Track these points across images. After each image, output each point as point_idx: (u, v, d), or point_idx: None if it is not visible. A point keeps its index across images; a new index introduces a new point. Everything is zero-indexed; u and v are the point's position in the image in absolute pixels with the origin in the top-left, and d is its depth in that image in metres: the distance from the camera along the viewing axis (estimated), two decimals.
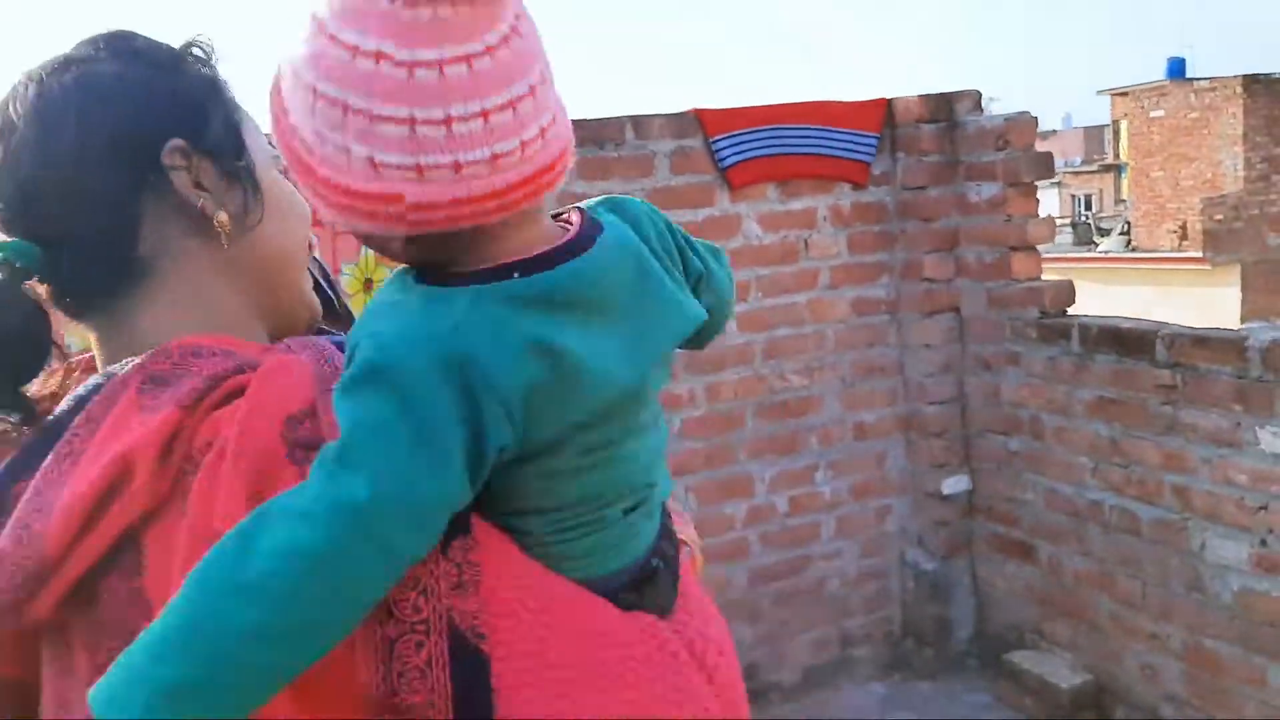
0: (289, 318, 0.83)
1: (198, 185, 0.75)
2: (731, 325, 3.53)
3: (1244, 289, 15.59)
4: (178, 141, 0.74)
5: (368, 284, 3.01)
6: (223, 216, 0.75)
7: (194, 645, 0.58)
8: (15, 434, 0.73)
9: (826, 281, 3.66)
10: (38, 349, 0.73)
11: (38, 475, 0.67)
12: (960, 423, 3.73)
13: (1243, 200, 16.84)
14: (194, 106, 0.76)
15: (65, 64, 0.75)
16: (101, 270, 0.74)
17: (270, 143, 0.76)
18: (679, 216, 3.44)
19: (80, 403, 0.71)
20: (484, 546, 0.65)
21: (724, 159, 3.44)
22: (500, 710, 0.62)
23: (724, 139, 3.43)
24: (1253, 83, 17.82)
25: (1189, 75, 20.77)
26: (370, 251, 3.00)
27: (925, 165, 3.61)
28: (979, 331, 3.63)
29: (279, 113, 0.66)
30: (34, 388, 0.77)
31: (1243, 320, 12.61)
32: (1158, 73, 21.89)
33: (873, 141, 3.61)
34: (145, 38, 0.78)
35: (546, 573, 0.67)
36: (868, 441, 3.77)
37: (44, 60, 0.76)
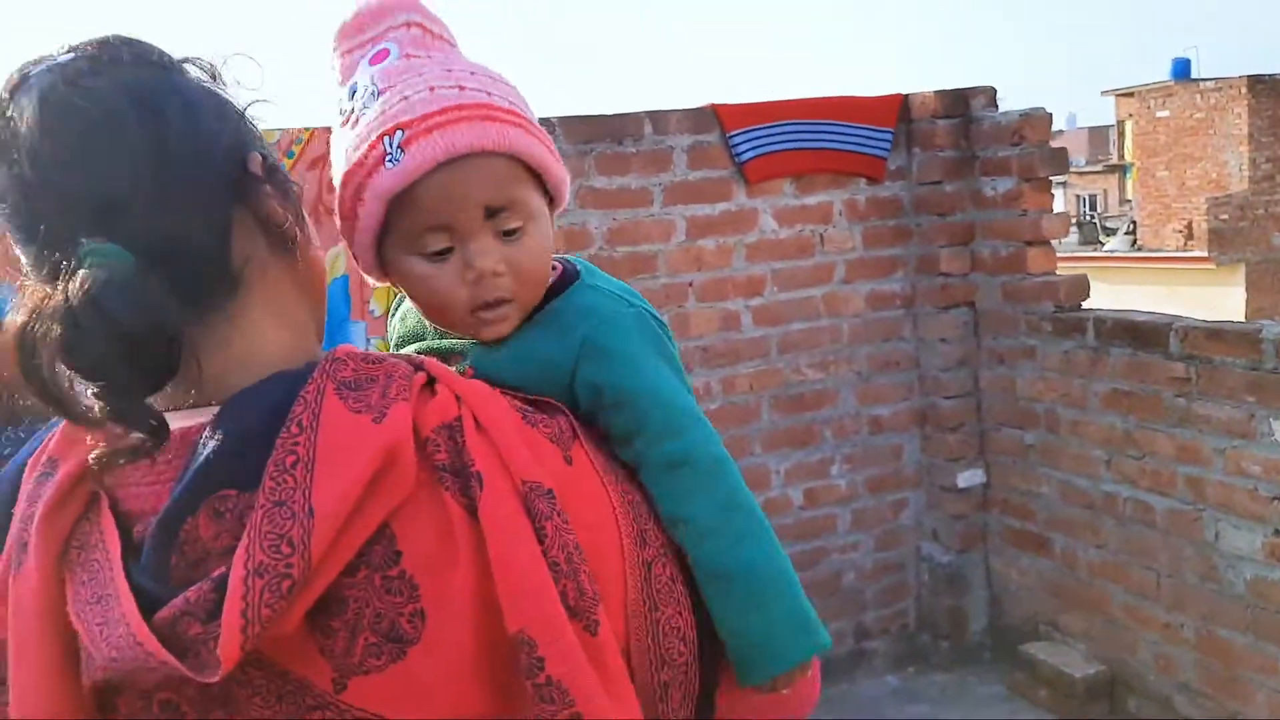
0: (320, 331, 0.85)
1: (276, 200, 0.75)
2: (747, 319, 3.57)
3: (1249, 288, 15.61)
4: (258, 155, 0.74)
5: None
6: (298, 233, 0.76)
7: (788, 574, 0.84)
8: (133, 451, 0.68)
9: (842, 276, 3.69)
10: (170, 355, 0.67)
11: (264, 490, 0.64)
12: (975, 416, 3.76)
13: (1248, 200, 16.86)
14: (252, 123, 0.77)
15: (126, 67, 0.71)
16: (201, 281, 0.71)
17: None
18: (696, 211, 3.48)
19: (243, 425, 0.68)
20: None
21: (741, 154, 3.48)
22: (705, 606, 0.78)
23: (741, 134, 3.47)
24: (1258, 83, 17.82)
25: (1194, 76, 20.78)
26: None
27: (940, 160, 3.65)
28: (994, 325, 3.66)
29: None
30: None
31: (1247, 319, 12.63)
32: (1162, 74, 21.88)
33: (888, 137, 3.65)
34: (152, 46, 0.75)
35: None
36: (883, 435, 3.80)
37: (83, 62, 0.69)
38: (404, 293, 0.89)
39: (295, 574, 0.62)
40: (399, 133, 0.79)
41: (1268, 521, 2.87)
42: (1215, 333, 2.98)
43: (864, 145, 3.62)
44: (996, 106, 3.67)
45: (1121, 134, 27.73)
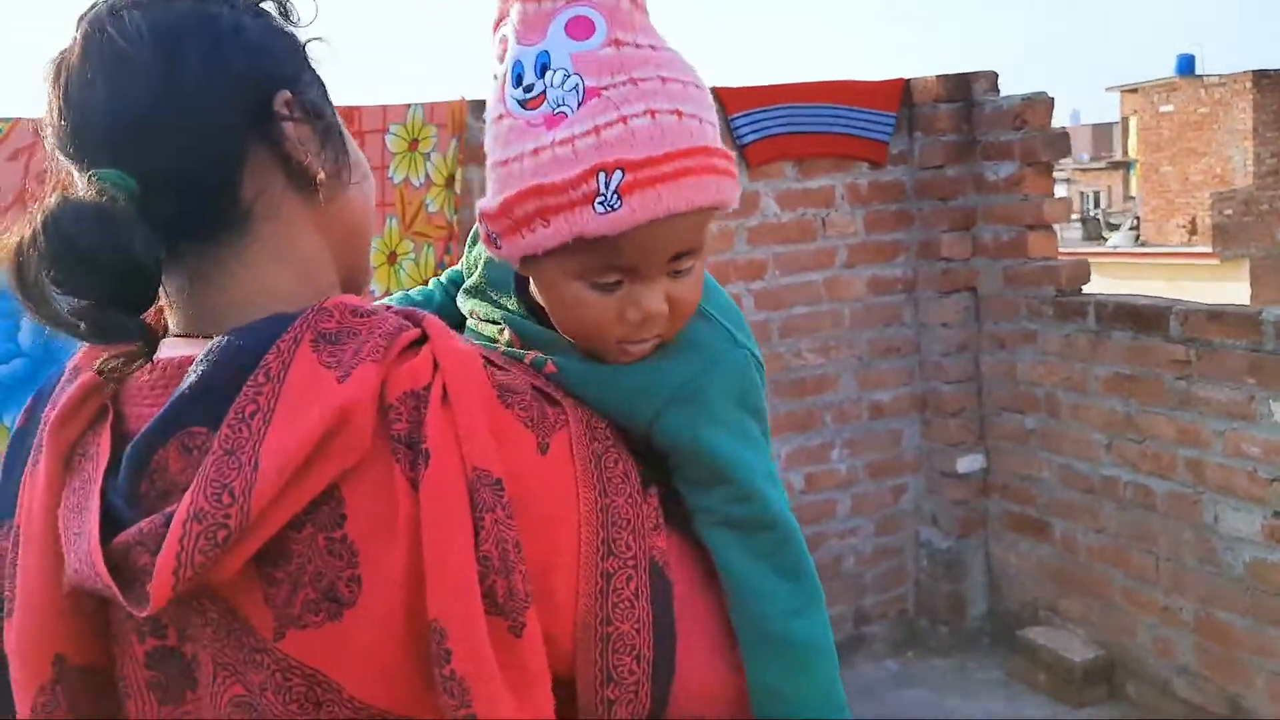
0: (358, 280, 0.84)
1: (301, 139, 0.74)
2: (749, 302, 3.57)
3: (1253, 284, 15.59)
4: (287, 93, 0.73)
5: (391, 257, 3.04)
6: (321, 174, 0.74)
7: (832, 651, 0.81)
8: (126, 369, 0.72)
9: (843, 260, 3.69)
10: (141, 283, 0.69)
11: (220, 437, 0.65)
12: (976, 401, 3.77)
13: (1252, 195, 16.84)
14: (297, 60, 0.76)
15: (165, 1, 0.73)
16: (206, 212, 0.72)
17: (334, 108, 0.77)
18: None
19: (222, 364, 0.68)
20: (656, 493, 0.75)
21: (742, 137, 3.48)
22: (679, 625, 0.73)
23: (742, 117, 3.47)
24: (1262, 78, 17.80)
25: (1199, 72, 20.75)
26: (394, 224, 3.04)
27: (942, 144, 3.65)
28: (995, 310, 3.67)
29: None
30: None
31: None
32: (1166, 71, 21.85)
33: (890, 121, 3.65)
34: None
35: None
36: (884, 420, 3.81)
37: None
38: (540, 295, 0.80)
39: (232, 525, 0.63)
40: (618, 174, 0.70)
41: (1267, 503, 2.87)
42: (1215, 315, 2.99)
43: (866, 129, 3.62)
44: (998, 91, 3.68)
45: (1125, 130, 27.69)
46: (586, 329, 0.78)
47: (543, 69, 0.72)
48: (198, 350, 0.71)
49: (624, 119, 0.70)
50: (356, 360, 0.67)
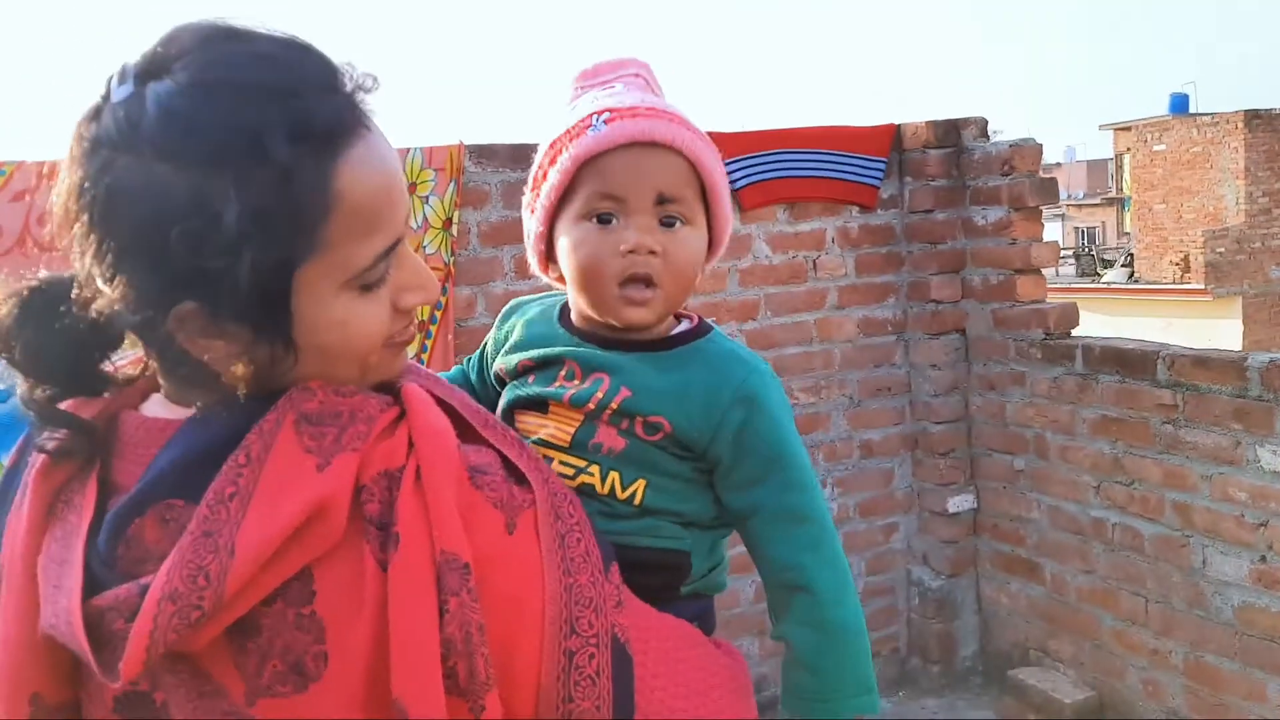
0: (356, 377, 0.78)
1: (209, 351, 0.70)
2: (741, 342, 3.60)
3: (1245, 321, 15.67)
4: (189, 305, 0.68)
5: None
6: (241, 370, 0.70)
7: (865, 635, 0.97)
8: (70, 452, 0.73)
9: (834, 301, 3.73)
10: (80, 370, 0.74)
11: (198, 516, 0.66)
12: (966, 441, 3.79)
13: (1244, 234, 16.96)
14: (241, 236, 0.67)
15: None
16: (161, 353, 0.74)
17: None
18: None
19: (204, 439, 0.70)
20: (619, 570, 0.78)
21: (735, 181, 3.52)
22: (639, 697, 0.75)
23: (735, 161, 3.52)
24: (1254, 118, 17.97)
25: (1192, 111, 20.95)
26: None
27: (932, 189, 3.70)
28: (984, 351, 3.70)
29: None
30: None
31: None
32: (1160, 108, 22.07)
33: (881, 166, 3.70)
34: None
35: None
36: (874, 459, 3.83)
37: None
38: (557, 279, 1.00)
39: (206, 606, 0.64)
40: (606, 114, 0.93)
41: (1254, 548, 2.89)
42: (1202, 361, 3.02)
43: (857, 174, 3.67)
44: (988, 137, 3.73)
45: (1119, 167, 27.90)
46: (593, 267, 0.93)
47: (575, 110, 0.98)
48: (182, 416, 0.73)
49: (617, 94, 0.95)
50: (337, 448, 0.68)
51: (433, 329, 3.04)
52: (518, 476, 0.76)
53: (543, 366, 0.98)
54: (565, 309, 1.02)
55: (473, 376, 1.10)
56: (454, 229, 3.05)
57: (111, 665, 0.66)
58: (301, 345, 0.70)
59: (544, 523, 0.74)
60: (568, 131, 0.94)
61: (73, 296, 0.71)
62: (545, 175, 0.95)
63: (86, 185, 0.67)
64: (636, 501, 0.92)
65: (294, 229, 0.67)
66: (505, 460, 0.77)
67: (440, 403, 0.77)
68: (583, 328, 0.99)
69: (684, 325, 1.00)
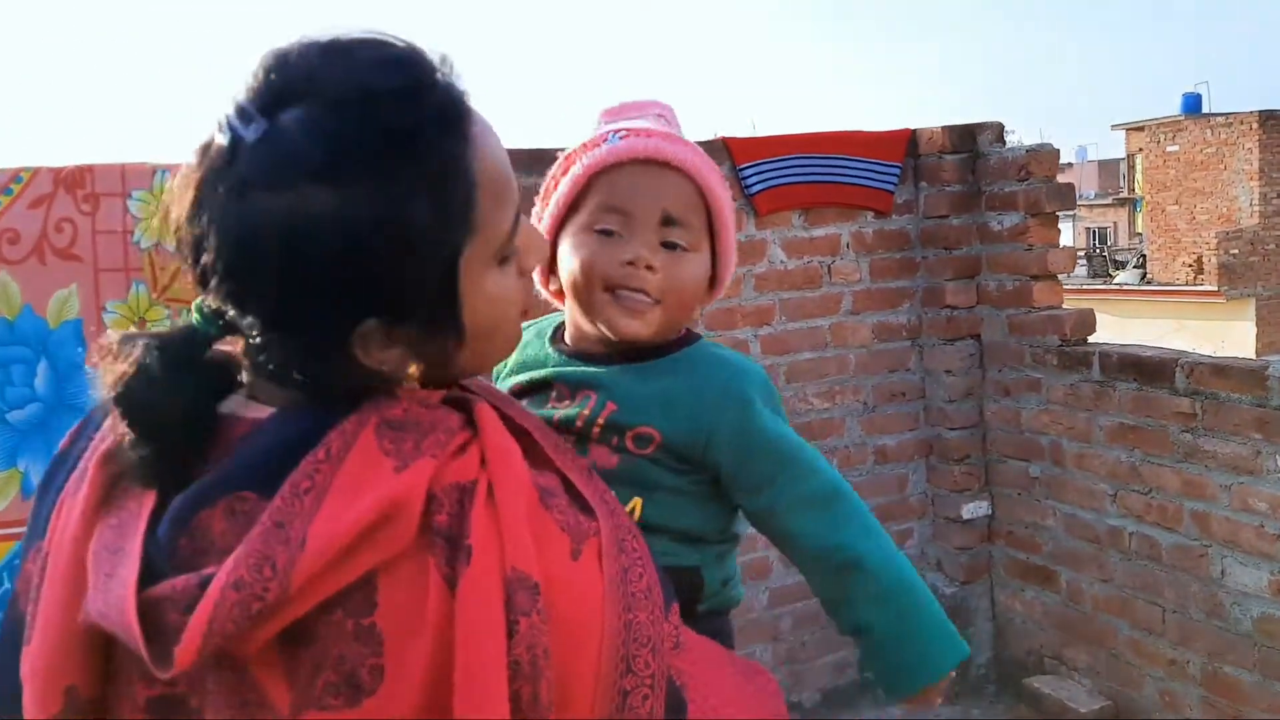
0: (489, 361, 0.83)
1: (387, 362, 0.72)
2: (756, 348, 3.59)
3: (1258, 323, 15.58)
4: (371, 323, 0.70)
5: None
6: (414, 370, 0.74)
7: (925, 587, 0.98)
8: (137, 461, 0.72)
9: (849, 307, 3.71)
10: (183, 439, 0.72)
11: (271, 508, 0.65)
12: (981, 448, 3.77)
13: (1258, 235, 16.87)
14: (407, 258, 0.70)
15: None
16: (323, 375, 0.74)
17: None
18: None
19: (284, 436, 0.70)
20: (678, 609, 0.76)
21: (750, 186, 3.51)
22: None
23: (750, 167, 3.50)
24: (1269, 118, 17.88)
25: (1205, 111, 20.84)
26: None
27: (948, 195, 3.68)
28: (999, 358, 3.68)
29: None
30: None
31: (1257, 354, 12.59)
32: (1173, 108, 21.97)
33: (896, 171, 3.68)
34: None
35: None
36: (889, 465, 3.81)
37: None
38: (555, 294, 1.01)
39: (269, 598, 0.63)
40: (622, 131, 0.96)
41: (1274, 558, 2.87)
42: (1221, 369, 2.99)
43: (872, 179, 3.65)
44: (1003, 142, 3.71)
45: (1132, 168, 27.79)
46: (585, 272, 0.93)
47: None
48: (263, 414, 0.72)
49: (632, 120, 0.99)
50: (417, 453, 0.68)
51: None
52: (581, 504, 0.74)
53: (534, 390, 0.98)
54: (559, 330, 1.03)
55: None
56: None
57: (161, 658, 0.64)
58: (468, 332, 0.73)
59: (608, 554, 0.72)
60: (583, 145, 0.96)
61: (207, 346, 0.72)
62: (556, 185, 0.96)
63: (246, 238, 0.66)
64: (634, 520, 0.92)
65: (462, 217, 0.70)
66: (569, 486, 0.75)
67: (512, 423, 0.76)
68: (573, 347, 0.99)
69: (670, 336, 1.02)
